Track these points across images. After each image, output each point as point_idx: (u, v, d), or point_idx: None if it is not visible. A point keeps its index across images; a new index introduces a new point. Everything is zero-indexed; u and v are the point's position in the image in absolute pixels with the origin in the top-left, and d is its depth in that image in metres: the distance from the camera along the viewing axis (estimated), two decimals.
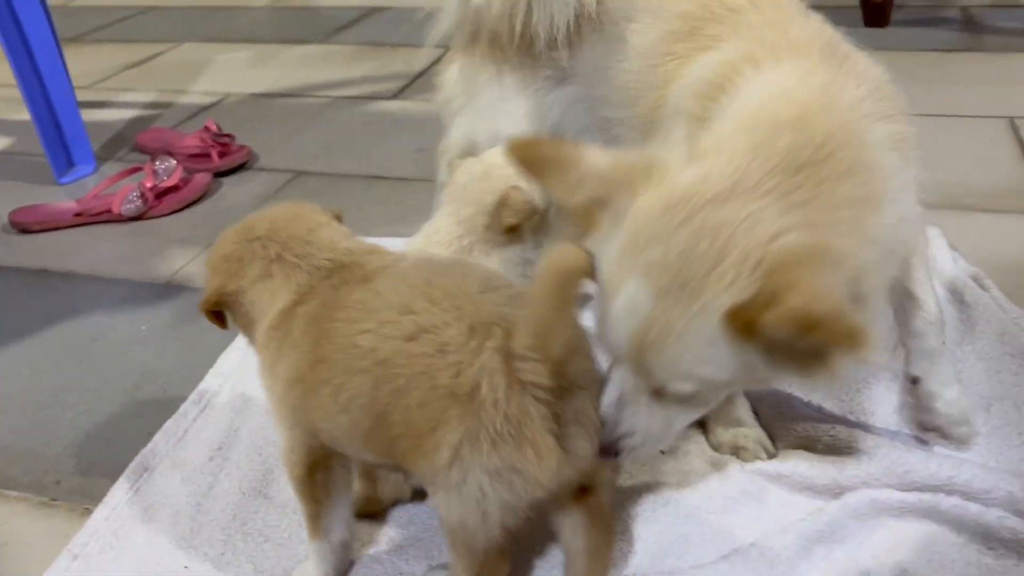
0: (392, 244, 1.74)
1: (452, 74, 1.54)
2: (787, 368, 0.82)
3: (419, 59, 2.97)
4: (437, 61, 3.02)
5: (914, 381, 1.15)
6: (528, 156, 0.91)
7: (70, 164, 2.34)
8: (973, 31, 2.74)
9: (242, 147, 2.32)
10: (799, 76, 0.94)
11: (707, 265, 0.80)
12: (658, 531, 1.12)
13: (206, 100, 2.79)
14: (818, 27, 1.07)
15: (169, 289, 1.80)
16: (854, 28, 2.78)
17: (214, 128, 2.30)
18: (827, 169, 0.84)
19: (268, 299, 1.05)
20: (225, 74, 3.04)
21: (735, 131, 0.90)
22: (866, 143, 0.89)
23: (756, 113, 0.91)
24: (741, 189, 0.82)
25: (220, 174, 2.26)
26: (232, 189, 2.21)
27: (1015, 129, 2.08)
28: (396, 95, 2.70)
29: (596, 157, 0.89)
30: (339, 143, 2.42)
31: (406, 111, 2.59)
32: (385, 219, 2.00)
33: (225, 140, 2.30)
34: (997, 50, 2.57)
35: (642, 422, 0.91)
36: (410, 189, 2.13)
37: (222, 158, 2.27)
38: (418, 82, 2.79)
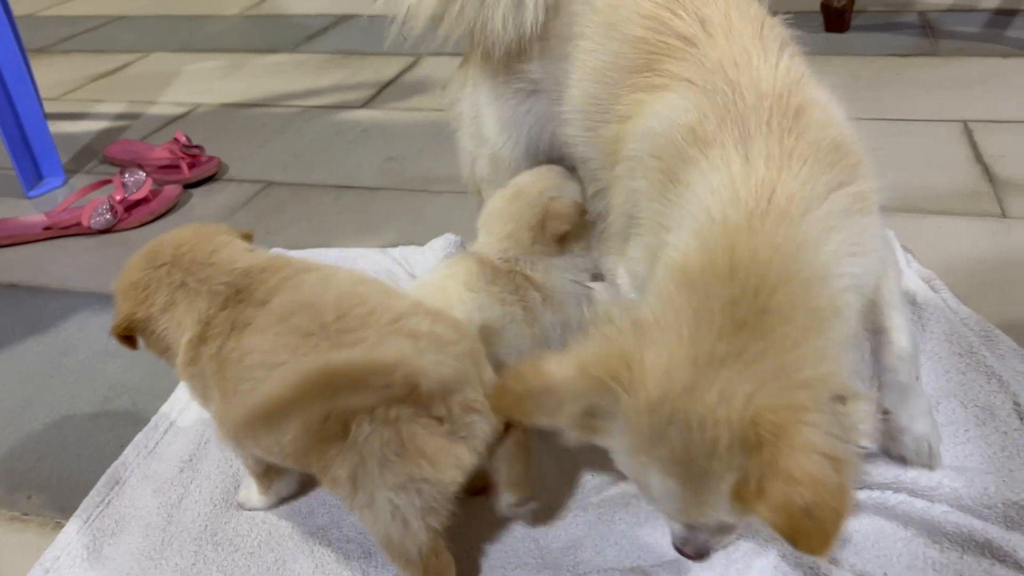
0: (364, 255, 1.79)
1: (455, 78, 1.55)
2: None
3: (389, 68, 2.99)
4: (407, 70, 3.07)
5: (885, 413, 1.17)
6: (504, 404, 0.93)
7: (39, 177, 2.34)
8: (930, 35, 2.81)
9: (212, 158, 2.33)
10: (738, 180, 0.93)
11: (706, 453, 0.84)
12: (620, 531, 1.15)
13: (176, 111, 2.80)
14: (772, 66, 1.02)
15: None
16: (815, 33, 2.88)
17: (183, 139, 2.32)
18: (770, 316, 0.85)
19: (176, 329, 1.08)
20: (195, 84, 3.04)
21: (675, 290, 0.90)
22: (807, 258, 0.89)
23: (692, 262, 0.91)
24: (700, 367, 0.84)
25: (190, 186, 2.27)
26: (202, 201, 2.22)
27: (969, 133, 2.14)
28: (365, 104, 2.72)
29: (560, 370, 0.89)
30: (308, 153, 2.43)
31: (375, 120, 2.61)
32: (354, 229, 2.02)
33: (195, 151, 2.31)
34: (952, 54, 2.64)
35: (708, 540, 0.99)
36: (379, 198, 2.15)
37: (192, 170, 2.28)
38: (387, 91, 2.82)
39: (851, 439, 0.83)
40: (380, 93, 2.80)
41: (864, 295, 0.98)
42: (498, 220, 1.31)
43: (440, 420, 0.90)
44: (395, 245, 1.89)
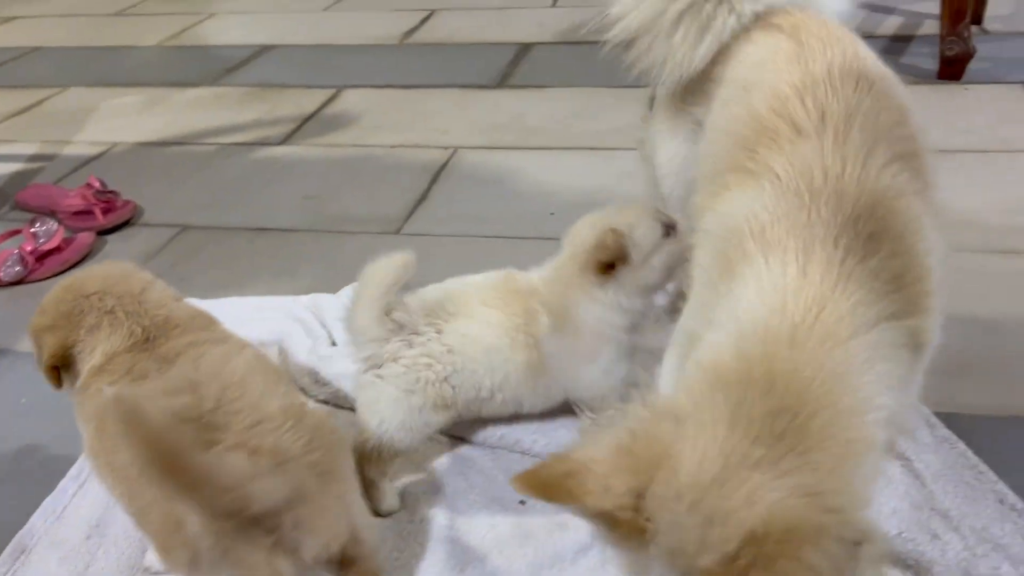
0: (276, 303, 1.80)
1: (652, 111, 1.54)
2: None
3: (309, 101, 3.01)
4: (328, 103, 3.09)
5: None
6: (547, 491, 0.87)
7: None
8: None
9: (127, 202, 2.33)
10: (790, 290, 0.93)
11: (715, 548, 0.80)
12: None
13: (91, 151, 2.77)
14: (864, 180, 0.99)
15: None
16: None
17: (97, 184, 2.30)
18: (809, 437, 0.84)
19: (88, 354, 1.11)
20: (112, 121, 3.02)
21: (709, 391, 0.89)
22: (849, 385, 0.88)
23: (727, 364, 0.90)
24: (732, 467, 0.82)
25: (104, 232, 2.26)
26: (116, 247, 2.21)
27: None
28: (285, 140, 2.74)
29: (595, 455, 0.86)
30: (226, 193, 2.44)
31: (295, 157, 2.63)
32: (270, 272, 2.04)
33: (109, 196, 2.30)
34: None
35: None
36: (296, 240, 2.18)
37: (106, 215, 2.27)
38: (307, 125, 2.83)
39: None
40: (300, 128, 2.82)
41: (895, 431, 0.95)
42: (567, 240, 1.39)
43: (267, 532, 0.93)
44: (311, 289, 1.91)
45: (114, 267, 1.20)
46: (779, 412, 0.84)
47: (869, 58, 1.17)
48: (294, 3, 4.24)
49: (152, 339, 1.10)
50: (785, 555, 0.77)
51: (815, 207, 0.97)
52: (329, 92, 3.08)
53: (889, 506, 1.25)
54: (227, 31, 3.89)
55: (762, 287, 0.94)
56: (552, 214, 2.19)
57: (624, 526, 0.84)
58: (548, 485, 0.86)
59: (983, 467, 1.31)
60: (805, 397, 0.85)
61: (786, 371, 0.87)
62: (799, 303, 0.91)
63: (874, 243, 0.95)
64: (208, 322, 1.18)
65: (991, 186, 2.12)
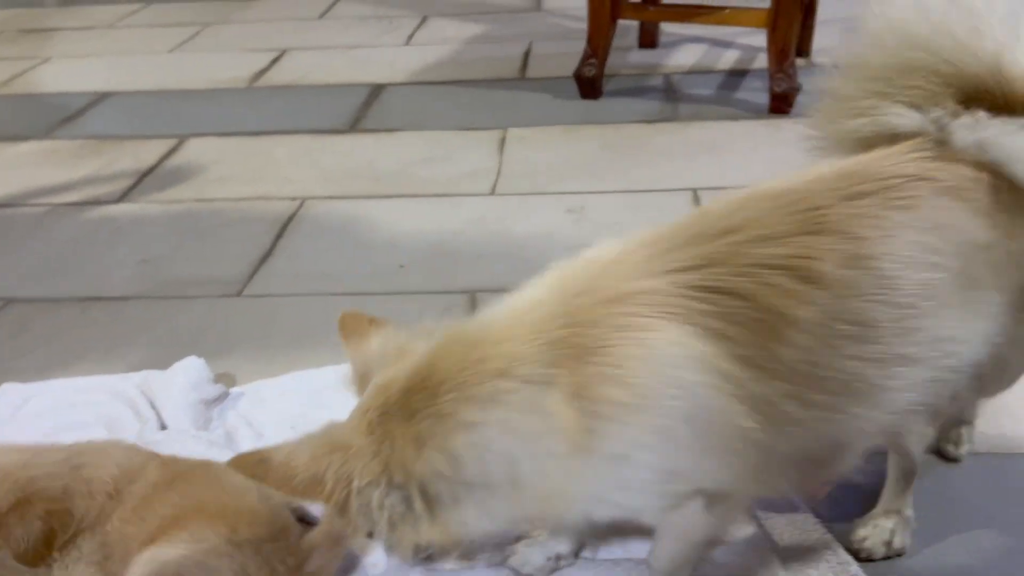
0: (105, 384, 1.69)
1: None
2: None
3: (149, 153, 2.89)
4: (169, 154, 2.97)
5: None
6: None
7: None
8: (673, 100, 3.04)
9: None
10: None
11: None
12: None
13: None
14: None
15: None
16: (572, 100, 3.05)
17: None
18: None
19: None
20: None
21: None
22: None
23: None
24: None
25: None
26: None
27: (697, 200, 2.34)
28: (122, 197, 2.61)
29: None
30: (56, 260, 2.30)
31: (132, 215, 2.51)
32: (102, 346, 1.93)
33: None
34: (690, 119, 2.87)
35: None
36: (131, 308, 2.07)
37: None
38: (146, 180, 2.72)
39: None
40: (139, 183, 2.69)
41: None
42: None
43: None
44: (146, 363, 1.82)
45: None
46: None
47: None
48: (138, 44, 4.08)
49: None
50: None
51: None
52: (171, 142, 2.96)
53: None
54: (62, 77, 3.69)
55: None
56: (402, 266, 2.18)
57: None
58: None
59: None
60: None
61: None
62: None
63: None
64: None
65: None
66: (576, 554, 1.30)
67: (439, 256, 2.22)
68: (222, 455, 1.53)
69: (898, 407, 1.02)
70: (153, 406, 1.66)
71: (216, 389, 1.70)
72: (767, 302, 0.94)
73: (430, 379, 0.95)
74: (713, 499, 1.02)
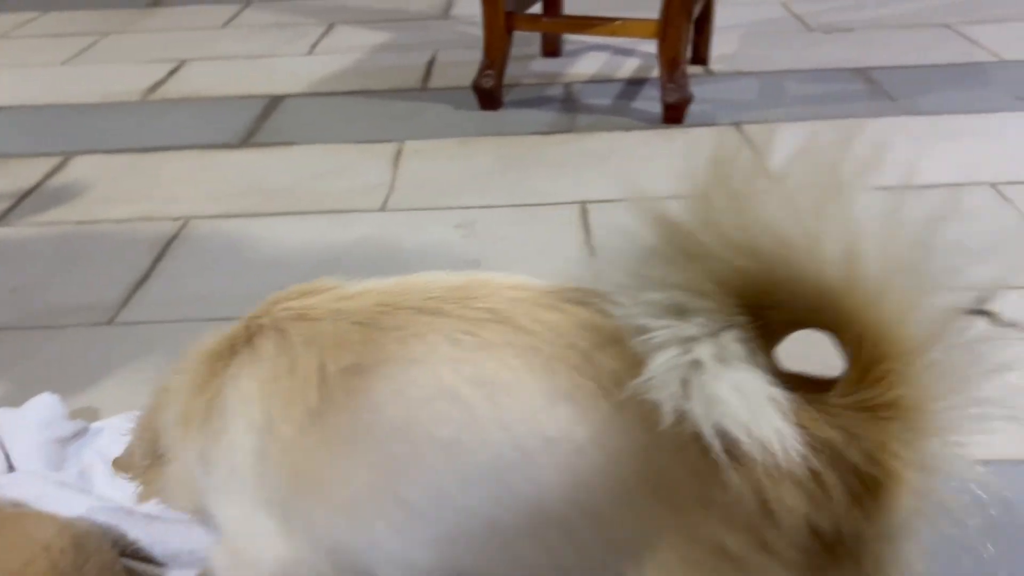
0: None
1: None
2: None
3: (31, 172, 2.79)
4: (53, 172, 2.87)
5: None
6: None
7: None
8: (571, 110, 3.05)
9: None
10: None
11: None
12: None
13: None
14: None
15: None
16: (471, 111, 3.03)
17: None
18: None
19: None
20: None
21: None
22: None
23: None
24: None
25: None
26: None
27: (585, 213, 2.34)
28: None
29: None
30: None
31: (7, 241, 2.41)
32: None
33: None
34: (586, 130, 2.87)
35: None
36: None
37: None
38: (26, 202, 2.61)
39: None
40: (17, 206, 2.59)
41: None
42: None
43: None
44: (7, 399, 1.75)
45: None
46: None
47: None
48: (31, 56, 3.93)
49: None
50: None
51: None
52: (55, 160, 2.86)
53: None
54: None
55: None
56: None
57: None
58: None
59: None
60: None
61: None
62: None
63: None
64: None
65: None
66: None
67: (326, 275, 2.17)
68: (75, 496, 1.47)
69: None
70: (1, 445, 1.59)
71: (73, 426, 1.64)
72: None
73: None
74: None
